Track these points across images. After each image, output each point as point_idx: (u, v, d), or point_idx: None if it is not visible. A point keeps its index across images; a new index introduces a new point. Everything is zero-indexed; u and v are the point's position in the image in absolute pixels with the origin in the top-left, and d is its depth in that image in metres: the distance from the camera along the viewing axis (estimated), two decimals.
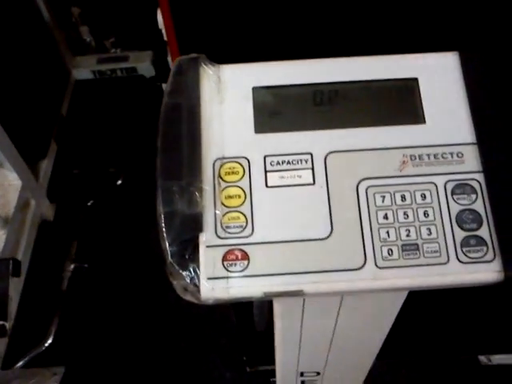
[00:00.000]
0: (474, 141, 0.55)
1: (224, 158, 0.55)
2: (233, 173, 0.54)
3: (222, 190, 0.54)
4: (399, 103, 0.57)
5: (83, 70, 1.05)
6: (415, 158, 0.55)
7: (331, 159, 0.55)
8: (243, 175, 0.54)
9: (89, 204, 0.84)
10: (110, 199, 0.84)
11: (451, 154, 0.55)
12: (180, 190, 0.53)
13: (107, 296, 0.74)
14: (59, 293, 0.69)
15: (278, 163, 0.55)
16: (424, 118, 0.56)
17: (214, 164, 0.55)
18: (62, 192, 0.85)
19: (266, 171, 0.54)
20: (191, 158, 0.55)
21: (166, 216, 0.52)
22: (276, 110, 0.57)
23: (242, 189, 0.54)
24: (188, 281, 0.51)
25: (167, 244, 0.52)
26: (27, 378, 0.47)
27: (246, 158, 0.55)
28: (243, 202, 0.54)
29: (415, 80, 0.58)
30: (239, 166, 0.55)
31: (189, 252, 0.52)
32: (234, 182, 0.54)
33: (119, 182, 0.85)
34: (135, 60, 1.04)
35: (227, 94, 0.57)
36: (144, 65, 1.02)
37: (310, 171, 0.54)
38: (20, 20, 0.80)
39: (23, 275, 0.66)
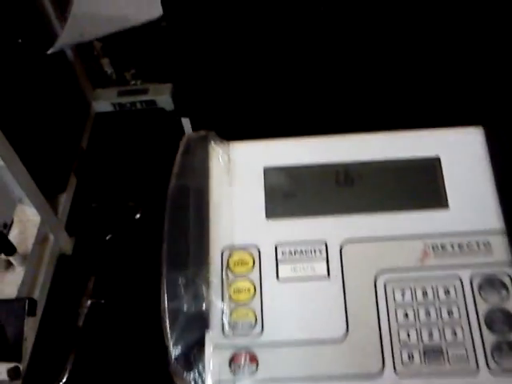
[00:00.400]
0: (503, 228, 0.51)
1: (233, 246, 0.52)
2: (242, 263, 0.51)
3: (231, 283, 0.51)
4: (420, 185, 0.53)
5: (103, 102, 1.03)
6: (437, 248, 0.51)
7: (347, 249, 0.51)
8: (253, 266, 0.51)
9: (107, 238, 0.81)
10: (128, 233, 0.82)
11: (477, 243, 0.51)
12: (186, 282, 0.50)
13: (123, 332, 0.71)
14: (75, 329, 0.67)
15: (291, 253, 0.51)
16: (447, 202, 0.52)
17: (222, 253, 0.52)
18: (81, 226, 0.82)
19: (277, 262, 0.51)
20: (198, 246, 0.52)
21: (171, 313, 0.49)
22: (289, 193, 0.54)
23: (251, 282, 0.51)
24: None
25: (171, 344, 0.49)
26: None
27: (256, 247, 0.52)
28: (253, 297, 0.50)
29: (437, 159, 0.54)
30: (249, 255, 0.51)
31: (194, 353, 0.49)
32: (244, 274, 0.51)
33: (138, 215, 0.83)
34: (155, 93, 1.02)
35: (237, 175, 0.54)
36: (163, 97, 1.00)
37: (325, 263, 0.51)
38: (42, 54, 0.79)
39: (39, 312, 0.64)
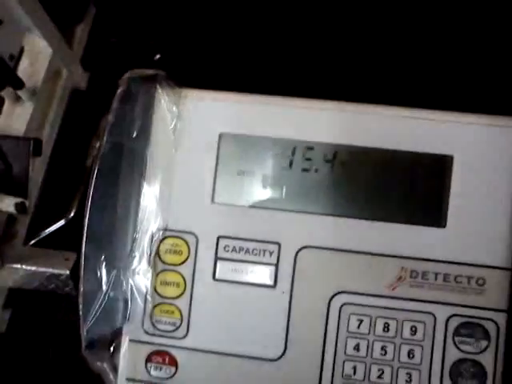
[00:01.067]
0: (508, 266, 0.40)
1: (166, 229, 0.42)
2: (175, 252, 0.42)
3: (158, 273, 0.42)
4: (415, 189, 0.41)
5: None
6: (416, 276, 0.40)
7: (303, 256, 0.41)
8: (187, 258, 0.42)
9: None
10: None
11: (469, 278, 0.40)
12: (107, 264, 0.42)
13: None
14: (83, 169, 0.64)
15: (234, 250, 0.42)
16: (445, 219, 0.40)
17: (152, 236, 0.42)
18: (97, 61, 0.75)
19: (216, 258, 0.42)
20: (125, 223, 0.42)
21: (87, 296, 0.42)
22: (246, 173, 0.42)
23: (182, 276, 0.42)
24: (105, 374, 0.43)
25: (84, 330, 0.42)
26: (41, 258, 0.46)
27: (193, 235, 0.42)
28: (181, 294, 0.42)
29: (448, 158, 0.40)
30: (184, 243, 0.42)
31: (108, 344, 0.43)
32: (174, 265, 0.42)
33: (157, 56, 0.74)
34: None
35: (185, 137, 0.42)
36: None
37: (273, 268, 0.41)
38: None
39: (49, 150, 0.62)
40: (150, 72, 0.42)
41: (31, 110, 0.59)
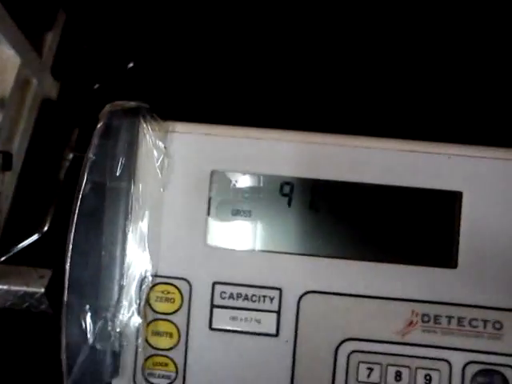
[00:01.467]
0: None
1: (156, 275, 0.39)
2: (166, 300, 0.39)
3: (149, 322, 0.39)
4: (422, 228, 0.38)
5: None
6: (428, 320, 0.37)
7: (307, 302, 0.38)
8: (180, 306, 0.39)
9: (95, 87, 0.70)
10: (117, 84, 0.70)
11: (485, 322, 0.37)
12: (92, 314, 0.38)
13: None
14: (56, 182, 0.61)
15: (232, 296, 0.38)
16: (456, 259, 0.37)
17: (141, 283, 0.39)
18: (69, 69, 0.71)
19: (212, 306, 0.38)
20: (111, 270, 0.39)
21: (70, 348, 0.39)
22: (241, 213, 0.39)
23: (175, 325, 0.39)
24: None
25: None
26: (14, 276, 0.43)
27: (186, 281, 0.39)
28: (175, 345, 0.39)
29: (457, 195, 0.37)
30: (176, 291, 0.39)
31: None
32: (167, 313, 0.39)
33: (130, 65, 0.70)
34: None
35: (174, 176, 0.39)
36: None
37: (275, 316, 0.38)
38: None
39: (19, 163, 0.59)
40: (132, 104, 0.39)
41: None
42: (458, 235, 0.37)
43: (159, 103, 0.39)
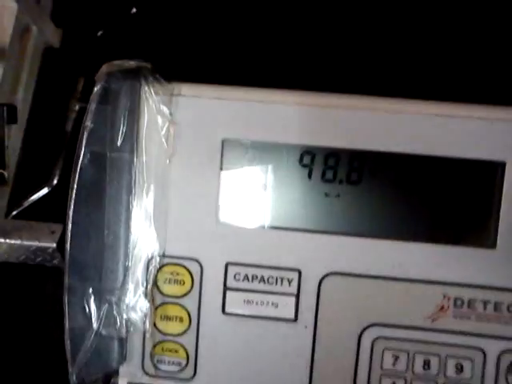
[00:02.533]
0: None
1: (164, 256, 0.35)
2: (176, 282, 0.36)
3: (158, 306, 0.36)
4: (458, 204, 0.34)
5: None
6: (461, 305, 0.34)
7: (328, 284, 0.35)
8: (191, 289, 0.36)
9: (98, 34, 0.67)
10: (121, 30, 0.67)
11: None
12: (96, 298, 0.36)
13: None
14: (63, 134, 0.61)
15: (246, 278, 0.35)
16: (495, 239, 0.33)
17: (148, 263, 0.35)
18: (70, 15, 0.68)
19: (225, 288, 0.35)
20: (115, 250, 0.35)
21: (73, 334, 0.36)
22: (256, 184, 0.35)
23: (185, 309, 0.36)
24: None
25: (73, 373, 0.36)
26: (25, 231, 0.43)
27: (197, 262, 0.35)
28: (186, 330, 0.36)
29: (499, 165, 0.33)
30: (186, 272, 0.36)
31: None
32: (176, 297, 0.36)
33: (134, 10, 0.67)
34: None
35: (181, 145, 0.35)
36: None
37: (293, 300, 0.35)
38: None
39: (25, 116, 0.58)
40: (132, 64, 0.34)
41: (1, 73, 0.54)
42: (499, 212, 0.33)
43: (163, 57, 0.34)
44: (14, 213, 0.51)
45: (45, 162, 0.55)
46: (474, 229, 0.34)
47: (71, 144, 0.56)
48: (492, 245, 0.33)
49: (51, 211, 0.47)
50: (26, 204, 0.52)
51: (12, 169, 0.53)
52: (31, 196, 0.53)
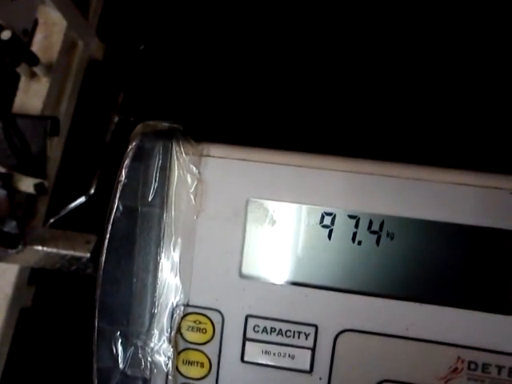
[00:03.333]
0: None
1: (188, 305, 0.38)
2: (198, 330, 0.38)
3: (181, 351, 0.38)
4: (476, 271, 0.35)
5: None
6: (475, 368, 0.35)
7: (344, 340, 0.36)
8: (212, 337, 0.37)
9: (140, 48, 0.70)
10: (163, 45, 0.70)
11: None
12: (123, 340, 0.38)
13: None
14: (102, 145, 0.63)
15: (265, 330, 0.37)
16: (511, 305, 0.34)
17: (172, 311, 0.38)
18: (114, 30, 0.72)
19: (244, 338, 0.37)
20: (143, 298, 0.38)
21: (102, 373, 0.38)
22: (278, 242, 0.37)
23: (206, 356, 0.38)
24: None
25: None
26: (61, 240, 0.46)
27: (219, 312, 0.37)
28: (206, 375, 0.38)
29: None
30: (208, 321, 0.37)
31: None
32: (198, 343, 0.38)
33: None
34: None
35: (208, 203, 0.37)
36: None
37: (309, 353, 0.36)
38: None
39: (66, 127, 0.61)
40: (165, 126, 0.36)
41: (47, 86, 0.57)
42: None
43: (193, 116, 0.36)
44: (51, 221, 0.53)
45: (83, 172, 0.58)
46: (491, 295, 0.34)
47: (109, 155, 0.58)
48: (509, 311, 0.34)
49: (87, 221, 0.49)
50: (63, 213, 0.55)
51: (51, 179, 0.56)
52: (69, 205, 0.55)
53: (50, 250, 0.46)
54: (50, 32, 0.61)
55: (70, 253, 0.45)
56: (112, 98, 0.65)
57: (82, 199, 0.57)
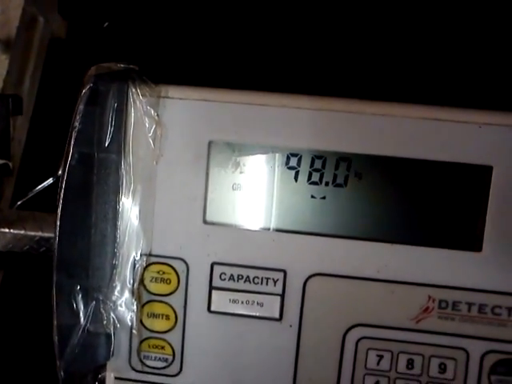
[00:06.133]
0: None
1: (151, 255, 0.36)
2: (162, 280, 0.36)
3: (144, 304, 0.36)
4: (444, 206, 0.34)
5: None
6: (446, 306, 0.34)
7: (313, 285, 0.35)
8: (176, 287, 0.36)
9: (104, 26, 0.68)
10: (126, 23, 0.67)
11: (509, 309, 0.34)
12: (83, 294, 0.36)
13: None
14: (68, 125, 0.60)
15: (232, 278, 0.36)
16: (481, 242, 0.34)
17: (134, 262, 0.36)
18: (76, 8, 0.69)
19: (210, 287, 0.36)
20: (102, 248, 0.36)
21: (61, 331, 0.36)
22: (242, 185, 0.35)
23: (171, 308, 0.36)
24: None
25: (61, 368, 0.37)
26: (29, 221, 0.44)
27: (183, 261, 0.36)
28: (172, 327, 0.36)
29: (486, 169, 0.33)
30: (172, 271, 0.36)
31: (90, 380, 0.38)
32: (162, 295, 0.36)
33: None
34: None
35: (168, 147, 0.35)
36: None
37: (278, 300, 0.35)
38: None
39: (30, 107, 0.58)
40: (120, 67, 0.34)
41: (7, 64, 0.54)
42: (485, 215, 0.33)
43: (151, 58, 0.35)
44: (19, 203, 0.51)
45: (50, 153, 0.56)
46: (460, 232, 0.34)
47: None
48: (478, 248, 0.34)
49: (55, 202, 0.48)
50: (30, 194, 0.53)
51: (17, 160, 0.53)
52: (36, 187, 0.53)
53: (17, 231, 0.44)
54: (7, 7, 0.58)
55: (39, 234, 0.43)
56: (77, 77, 0.64)
57: (49, 181, 0.55)
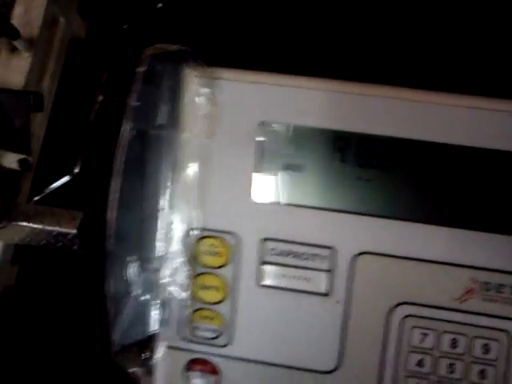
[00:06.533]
0: None
1: (204, 229, 0.37)
2: (214, 254, 0.38)
3: (196, 276, 0.38)
4: (489, 193, 0.34)
5: None
6: (489, 288, 0.35)
7: (362, 263, 0.36)
8: (228, 261, 0.37)
9: (124, 27, 0.69)
10: (147, 24, 0.68)
11: None
12: (138, 264, 0.38)
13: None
14: (86, 124, 0.64)
15: (282, 253, 0.37)
16: None
17: (188, 235, 0.37)
18: (96, 9, 0.70)
19: (261, 262, 0.37)
20: (155, 222, 0.37)
21: (115, 299, 0.38)
22: (293, 167, 0.36)
23: (222, 280, 0.38)
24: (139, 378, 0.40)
25: (115, 336, 0.39)
26: (47, 216, 0.47)
27: (235, 236, 0.37)
28: (222, 299, 0.38)
29: None
30: (224, 245, 0.37)
31: (141, 348, 0.40)
32: (214, 268, 0.38)
33: (160, 5, 0.68)
34: None
35: (220, 126, 0.36)
36: None
37: (326, 276, 0.36)
38: None
39: (50, 104, 0.61)
40: (175, 48, 0.35)
41: (29, 61, 0.54)
42: None
43: (195, 47, 0.35)
44: (36, 198, 0.52)
45: (68, 150, 0.58)
46: (504, 216, 0.34)
47: (93, 134, 0.58)
48: None
49: (72, 199, 0.49)
50: (47, 191, 0.54)
51: (35, 155, 0.55)
52: (53, 183, 0.54)
53: (35, 226, 0.44)
54: (30, 6, 0.59)
55: (56, 229, 0.44)
56: (95, 77, 0.64)
57: (66, 178, 0.56)
